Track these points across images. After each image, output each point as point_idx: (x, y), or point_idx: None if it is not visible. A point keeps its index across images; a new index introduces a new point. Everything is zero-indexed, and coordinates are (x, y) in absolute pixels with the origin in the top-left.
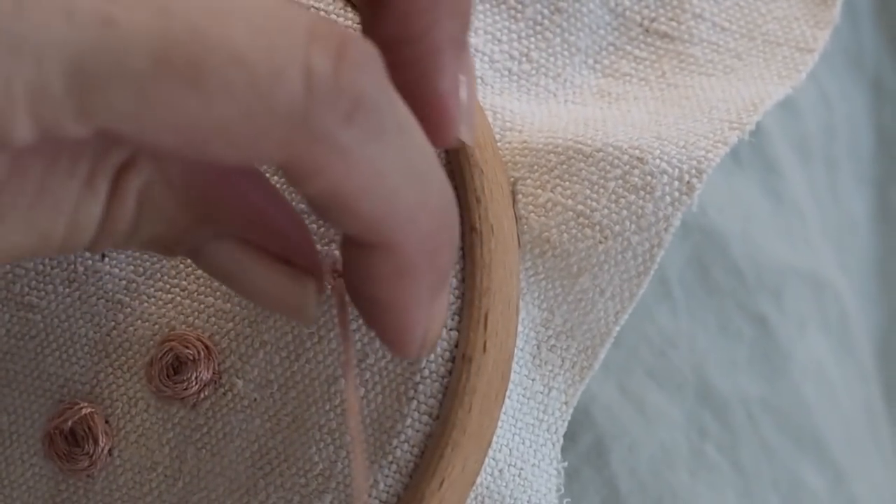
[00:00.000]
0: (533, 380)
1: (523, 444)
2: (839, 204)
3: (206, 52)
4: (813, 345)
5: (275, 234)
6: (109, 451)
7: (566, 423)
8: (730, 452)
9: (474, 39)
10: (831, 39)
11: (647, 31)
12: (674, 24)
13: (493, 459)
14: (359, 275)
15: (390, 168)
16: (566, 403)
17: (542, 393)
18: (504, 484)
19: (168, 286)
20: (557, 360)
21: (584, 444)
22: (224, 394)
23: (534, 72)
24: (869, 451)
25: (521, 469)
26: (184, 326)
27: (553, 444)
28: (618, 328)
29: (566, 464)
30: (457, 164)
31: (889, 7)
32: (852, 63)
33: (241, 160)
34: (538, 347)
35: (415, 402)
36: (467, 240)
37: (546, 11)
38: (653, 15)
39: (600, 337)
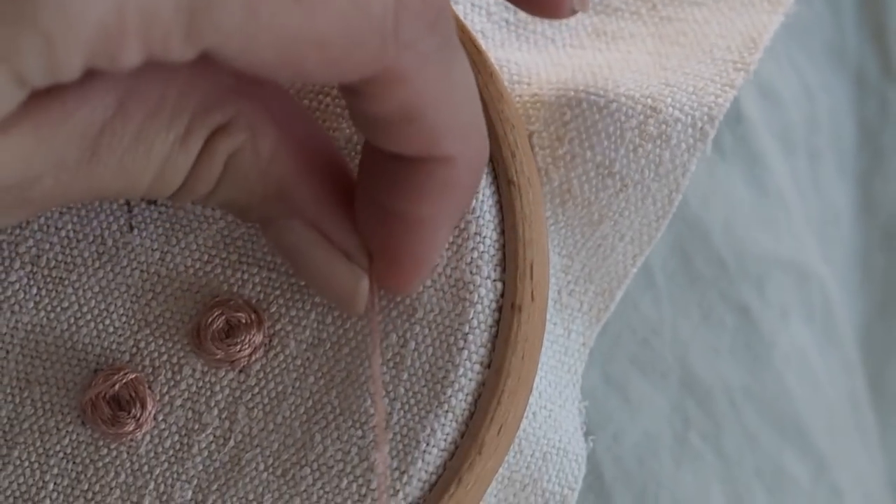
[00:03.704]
0: (555, 324)
1: (550, 386)
2: (822, 195)
3: None
4: (796, 334)
5: (340, 229)
6: (154, 415)
7: (584, 364)
8: (713, 440)
9: None
10: (814, 32)
11: None
12: None
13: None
14: (398, 191)
15: (458, 81)
16: (584, 345)
17: (563, 336)
18: (538, 426)
19: (207, 256)
20: (576, 304)
21: None
22: (276, 355)
23: (529, 19)
24: (852, 439)
25: (551, 410)
26: (229, 296)
27: (574, 385)
28: (635, 270)
29: (587, 403)
30: (488, 119)
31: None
32: (835, 55)
33: (334, 76)
34: (559, 293)
35: (466, 353)
36: (505, 193)
37: None
38: None
39: (618, 279)
